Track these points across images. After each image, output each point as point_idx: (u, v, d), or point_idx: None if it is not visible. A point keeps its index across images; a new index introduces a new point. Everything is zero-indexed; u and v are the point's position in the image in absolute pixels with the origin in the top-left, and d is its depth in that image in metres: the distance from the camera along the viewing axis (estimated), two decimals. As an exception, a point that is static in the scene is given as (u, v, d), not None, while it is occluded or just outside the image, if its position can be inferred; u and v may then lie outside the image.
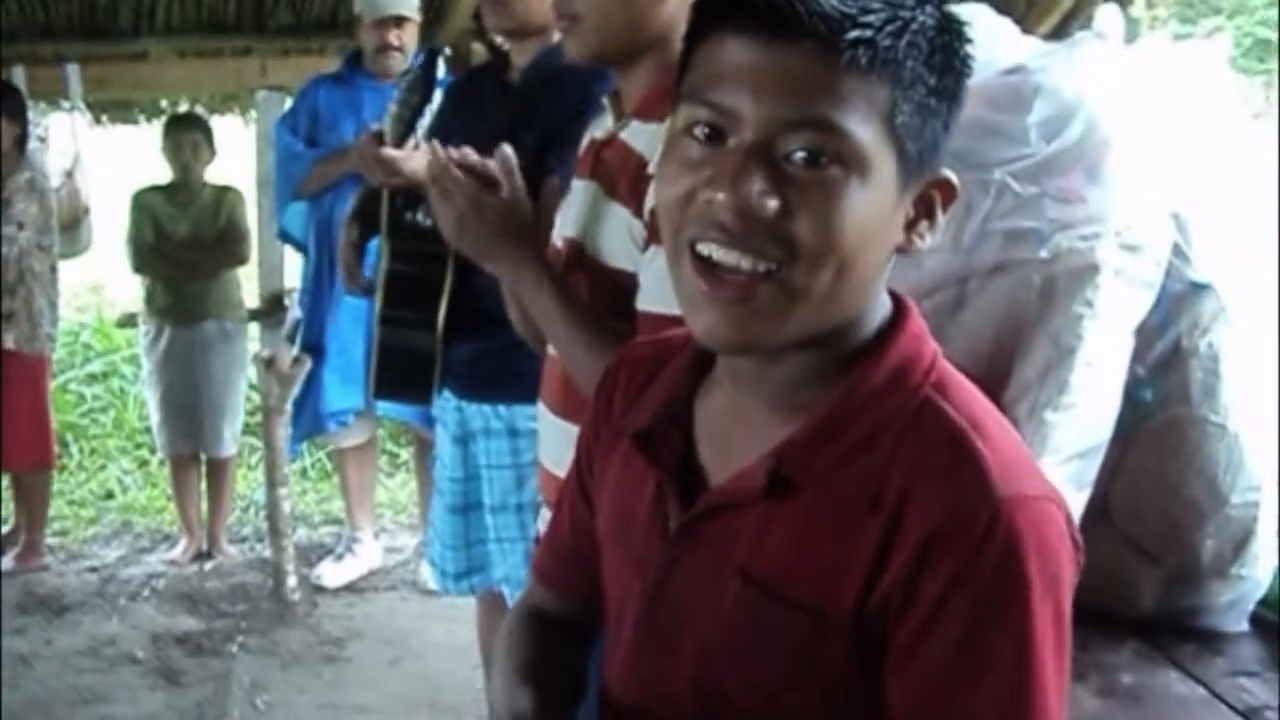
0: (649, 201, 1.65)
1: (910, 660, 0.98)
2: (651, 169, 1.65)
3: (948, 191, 1.04)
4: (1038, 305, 1.50)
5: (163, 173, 5.03)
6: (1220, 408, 1.66)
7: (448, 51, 2.65)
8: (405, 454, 6.08)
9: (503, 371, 2.56)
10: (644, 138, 1.70)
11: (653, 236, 1.63)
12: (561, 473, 1.70)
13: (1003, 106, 1.56)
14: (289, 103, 5.09)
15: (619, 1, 1.72)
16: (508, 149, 1.77)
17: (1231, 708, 1.55)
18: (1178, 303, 1.66)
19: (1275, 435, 1.71)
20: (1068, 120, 1.52)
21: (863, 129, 0.96)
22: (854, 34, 0.94)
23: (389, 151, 2.43)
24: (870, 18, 0.95)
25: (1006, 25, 1.75)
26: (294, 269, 5.16)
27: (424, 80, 2.29)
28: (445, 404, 2.76)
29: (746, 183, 0.96)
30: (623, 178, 1.72)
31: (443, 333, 2.61)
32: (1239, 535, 1.68)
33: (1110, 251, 1.51)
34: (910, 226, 1.03)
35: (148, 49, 5.13)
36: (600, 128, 1.87)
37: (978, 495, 0.96)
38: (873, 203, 0.97)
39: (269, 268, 5.03)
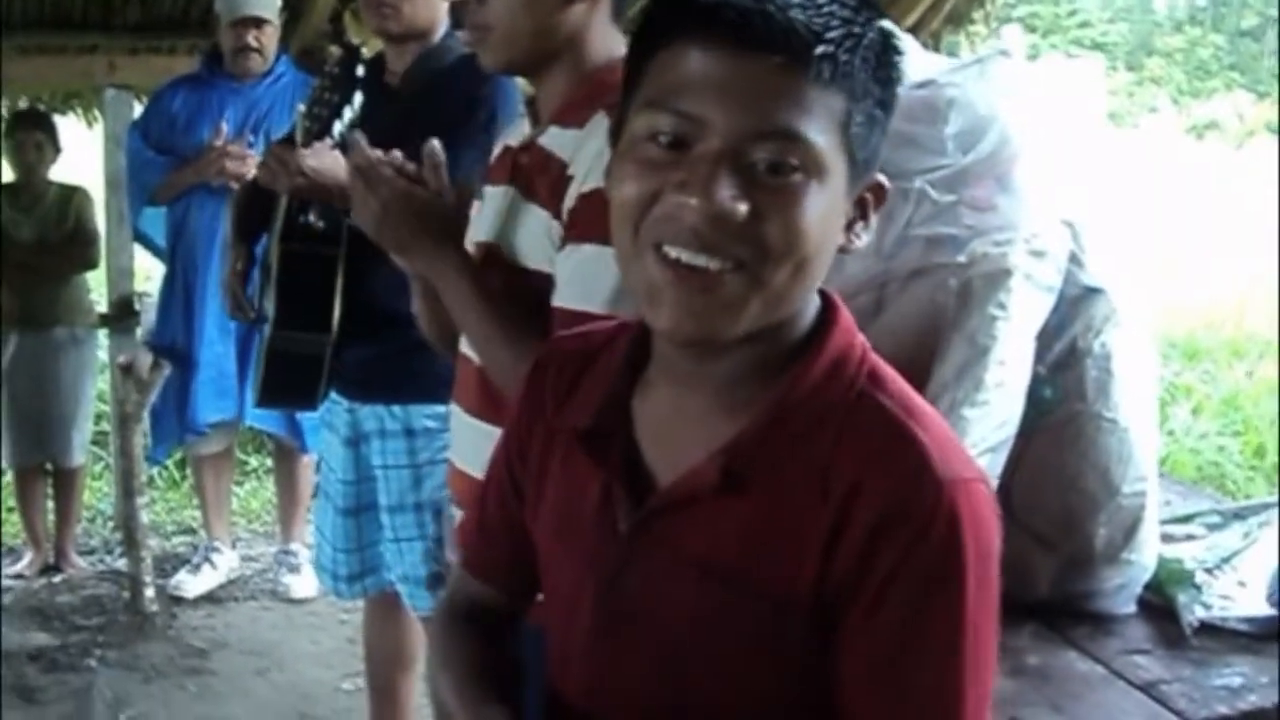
0: (568, 203, 1.68)
1: (861, 634, 1.05)
2: (572, 172, 1.69)
3: (880, 194, 1.12)
4: (955, 308, 1.59)
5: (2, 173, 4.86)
6: (1112, 404, 1.77)
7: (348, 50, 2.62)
8: (254, 461, 5.98)
9: (398, 372, 2.57)
10: (564, 143, 1.73)
11: (570, 235, 1.67)
12: (477, 474, 1.72)
13: (919, 119, 1.64)
14: (137, 102, 4.99)
15: (525, 11, 1.74)
16: (435, 144, 1.78)
17: (1130, 682, 1.66)
18: (1073, 306, 1.76)
19: (1158, 428, 1.84)
20: (982, 133, 1.61)
21: (822, 138, 1.02)
22: (820, 49, 1.00)
23: (297, 153, 2.41)
24: (833, 34, 1.01)
25: (910, 40, 1.84)
26: (144, 272, 5.05)
27: (344, 79, 2.27)
28: (334, 407, 2.75)
29: (718, 189, 1.00)
30: (542, 181, 1.75)
31: (335, 336, 2.60)
32: (1129, 523, 1.80)
33: (1020, 257, 1.61)
34: (849, 227, 1.10)
35: (-11, 45, 4.94)
36: (515, 135, 1.90)
37: (921, 479, 1.02)
38: (829, 206, 1.04)
39: (119, 271, 4.90)
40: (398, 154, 1.78)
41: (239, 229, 2.92)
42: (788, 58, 1.00)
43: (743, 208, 1.01)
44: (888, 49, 1.07)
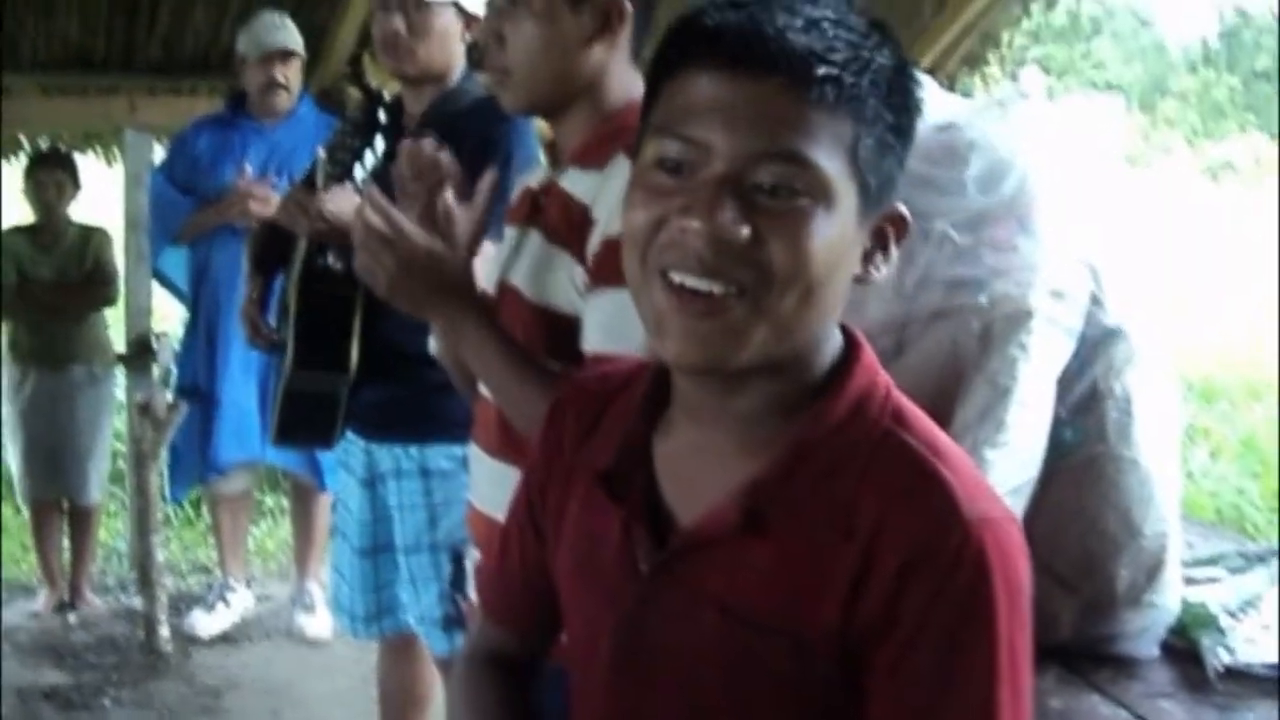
0: (592, 247, 1.68)
1: (891, 676, 1.03)
2: (594, 216, 1.69)
3: (900, 226, 1.10)
4: (977, 349, 1.59)
5: (23, 211, 4.88)
6: (1133, 446, 1.76)
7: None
8: (270, 500, 5.98)
9: (414, 412, 2.58)
10: (584, 185, 1.73)
11: (596, 279, 1.66)
12: (496, 514, 1.71)
13: (940, 161, 1.64)
14: (157, 143, 5.02)
15: (545, 53, 1.75)
16: (449, 195, 1.77)
17: (1155, 727, 1.65)
18: (1094, 348, 1.75)
19: (1178, 470, 1.83)
20: (1003, 175, 1.61)
21: (828, 162, 1.01)
22: (822, 70, 0.99)
23: (317, 198, 2.42)
24: (836, 55, 1.00)
25: (930, 82, 1.84)
26: (161, 312, 5.06)
27: (365, 124, 2.29)
28: (351, 447, 2.75)
29: (719, 212, 1.00)
30: (565, 224, 1.74)
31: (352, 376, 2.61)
32: (1151, 565, 1.78)
33: (1042, 299, 1.61)
34: (867, 258, 1.08)
35: (9, 85, 4.97)
36: (534, 176, 1.90)
37: (947, 520, 1.01)
38: (837, 232, 1.02)
39: (137, 310, 4.90)
40: (429, 140, 1.74)
41: (255, 263, 2.93)
42: (789, 79, 1.00)
43: (744, 230, 1.00)
44: (901, 74, 1.05)
